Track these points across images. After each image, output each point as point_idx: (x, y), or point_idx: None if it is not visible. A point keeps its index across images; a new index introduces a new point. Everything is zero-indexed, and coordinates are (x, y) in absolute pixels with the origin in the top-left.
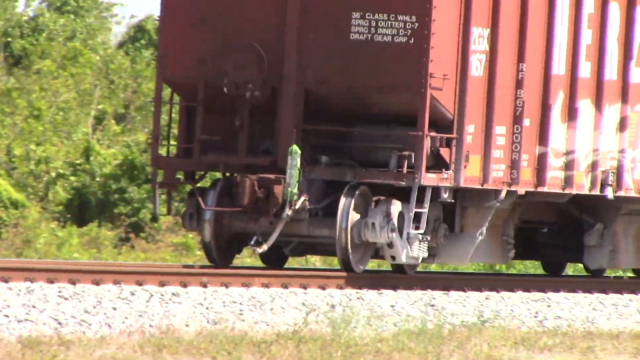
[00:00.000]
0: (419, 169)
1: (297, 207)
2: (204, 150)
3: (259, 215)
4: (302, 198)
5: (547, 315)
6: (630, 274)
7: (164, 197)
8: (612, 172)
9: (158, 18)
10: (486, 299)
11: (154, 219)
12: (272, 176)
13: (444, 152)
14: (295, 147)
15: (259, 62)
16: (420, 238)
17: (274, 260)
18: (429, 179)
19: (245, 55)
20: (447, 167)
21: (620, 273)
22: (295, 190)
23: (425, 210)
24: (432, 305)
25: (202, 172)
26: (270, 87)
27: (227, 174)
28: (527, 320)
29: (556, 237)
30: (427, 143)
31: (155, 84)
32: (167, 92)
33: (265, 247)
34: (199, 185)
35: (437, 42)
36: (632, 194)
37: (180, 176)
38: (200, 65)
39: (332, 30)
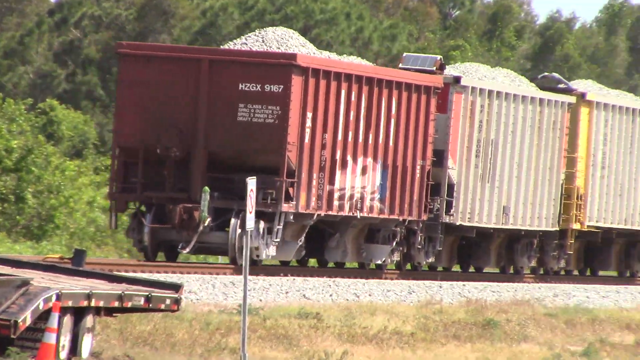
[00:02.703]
0: (280, 201)
1: (206, 224)
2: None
3: (182, 230)
4: (209, 219)
5: None
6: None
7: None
8: (359, 201)
9: (114, 107)
10: None
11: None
12: (191, 205)
13: (291, 190)
14: (206, 188)
15: (180, 134)
16: (274, 244)
17: (172, 257)
18: (285, 207)
19: (171, 130)
20: (292, 200)
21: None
22: (206, 214)
23: (281, 227)
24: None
25: (138, 202)
26: (187, 150)
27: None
28: None
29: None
30: (284, 185)
31: (112, 148)
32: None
33: (188, 249)
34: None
35: (291, 122)
36: (365, 214)
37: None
38: (141, 136)
39: (226, 114)
